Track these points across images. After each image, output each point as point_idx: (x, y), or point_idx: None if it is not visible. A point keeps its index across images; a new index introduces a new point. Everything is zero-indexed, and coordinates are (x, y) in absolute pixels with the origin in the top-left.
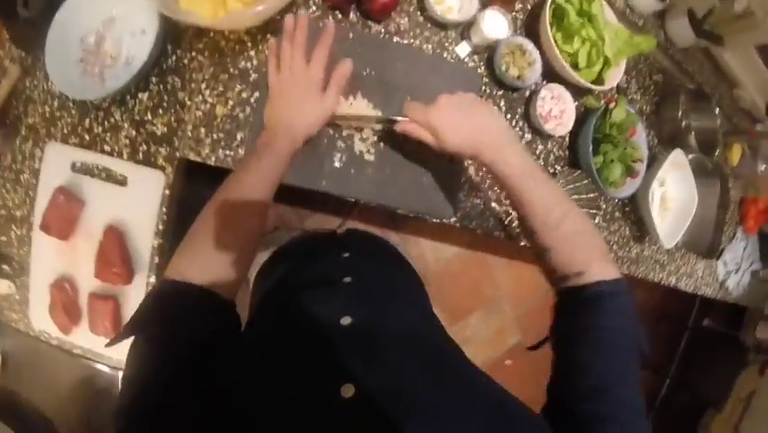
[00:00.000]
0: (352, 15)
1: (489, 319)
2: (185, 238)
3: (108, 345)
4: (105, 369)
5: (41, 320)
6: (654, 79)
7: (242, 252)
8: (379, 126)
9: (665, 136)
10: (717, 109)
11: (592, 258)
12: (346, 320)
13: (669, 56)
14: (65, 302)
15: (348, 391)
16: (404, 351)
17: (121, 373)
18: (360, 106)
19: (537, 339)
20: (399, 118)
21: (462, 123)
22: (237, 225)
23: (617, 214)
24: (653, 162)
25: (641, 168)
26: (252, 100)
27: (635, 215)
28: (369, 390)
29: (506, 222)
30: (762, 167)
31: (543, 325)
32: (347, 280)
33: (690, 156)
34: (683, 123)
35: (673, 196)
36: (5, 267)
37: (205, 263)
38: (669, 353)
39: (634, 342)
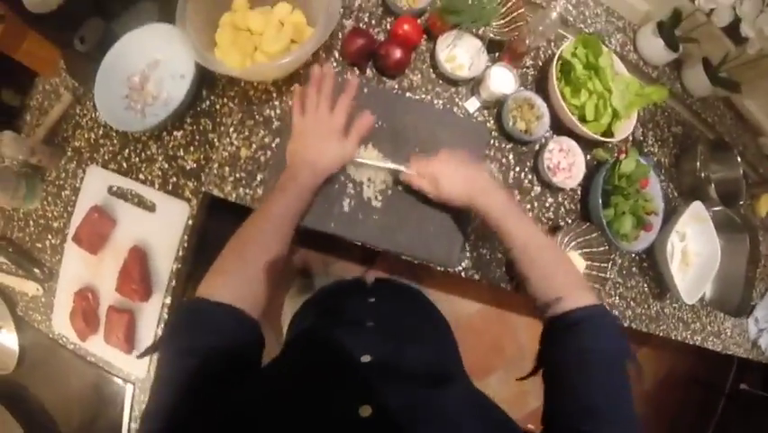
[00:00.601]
0: (368, 71)
1: (511, 380)
2: (216, 261)
3: (140, 356)
4: (115, 379)
5: (61, 324)
6: (673, 131)
7: (268, 274)
8: (385, 174)
9: (685, 189)
10: (739, 159)
11: (569, 286)
12: (366, 358)
13: (687, 107)
14: (86, 310)
15: (366, 411)
16: (418, 379)
17: (129, 386)
18: (370, 155)
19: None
20: (404, 169)
21: (459, 174)
22: (263, 250)
23: (634, 269)
24: (672, 215)
25: (655, 220)
26: (274, 145)
27: (653, 270)
28: (385, 410)
29: (513, 273)
30: None
31: None
32: (370, 324)
33: (714, 209)
34: (702, 174)
35: (695, 250)
36: (37, 271)
37: (234, 284)
38: (703, 421)
39: (620, 360)
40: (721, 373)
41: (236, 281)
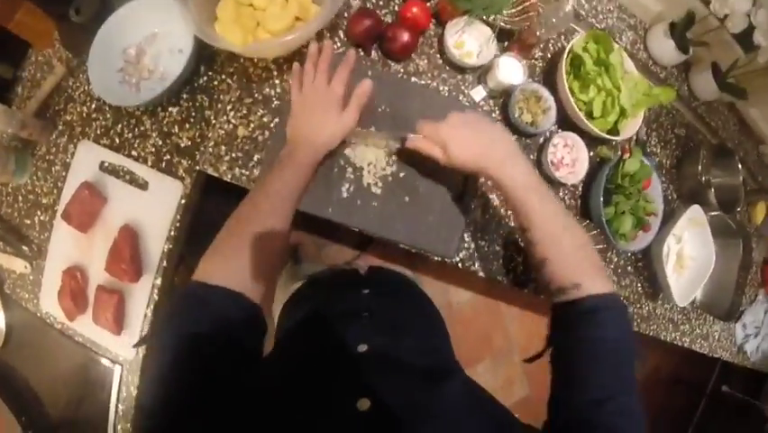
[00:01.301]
0: (373, 54)
1: (498, 369)
2: (213, 243)
3: (137, 345)
4: (102, 360)
5: (49, 303)
6: (677, 133)
7: (268, 255)
8: (391, 144)
9: (685, 192)
10: (740, 166)
11: (588, 272)
12: (363, 348)
13: (692, 110)
14: (74, 289)
15: (364, 404)
16: (415, 372)
17: (116, 368)
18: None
19: (545, 393)
20: (412, 135)
21: (471, 139)
22: (262, 230)
23: (629, 268)
24: (670, 217)
25: (654, 221)
26: (272, 125)
27: (648, 270)
28: (383, 402)
29: (510, 267)
30: None
31: None
32: (365, 314)
33: (712, 214)
34: (703, 178)
35: (690, 253)
36: (25, 248)
37: (232, 266)
38: (684, 421)
39: (630, 353)
40: (704, 375)
41: (235, 263)
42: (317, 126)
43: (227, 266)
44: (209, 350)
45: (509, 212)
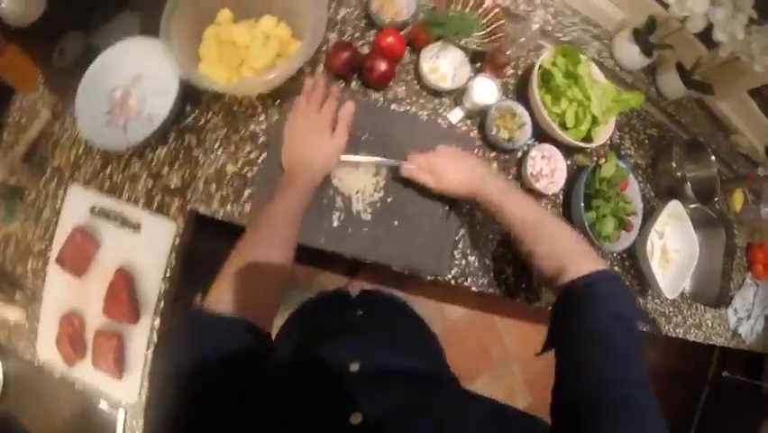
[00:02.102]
0: (353, 84)
1: (498, 382)
2: (220, 271)
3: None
4: (104, 406)
5: (47, 350)
6: (649, 133)
7: (273, 281)
8: (374, 185)
9: (662, 189)
10: (713, 158)
11: (572, 256)
12: (355, 366)
13: (662, 109)
14: (72, 335)
15: (356, 418)
16: (407, 386)
17: (120, 412)
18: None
19: (548, 400)
20: (405, 165)
21: (458, 165)
22: (266, 255)
23: (616, 268)
24: (651, 215)
25: (635, 221)
26: (260, 161)
27: (634, 268)
28: (375, 417)
29: (501, 278)
30: (765, 210)
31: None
32: (358, 334)
33: (691, 207)
34: (678, 174)
35: (674, 247)
36: (18, 295)
37: (238, 293)
38: (688, 411)
39: (630, 326)
40: (703, 363)
41: (240, 290)
42: (312, 151)
43: (233, 293)
44: (215, 377)
45: (495, 226)
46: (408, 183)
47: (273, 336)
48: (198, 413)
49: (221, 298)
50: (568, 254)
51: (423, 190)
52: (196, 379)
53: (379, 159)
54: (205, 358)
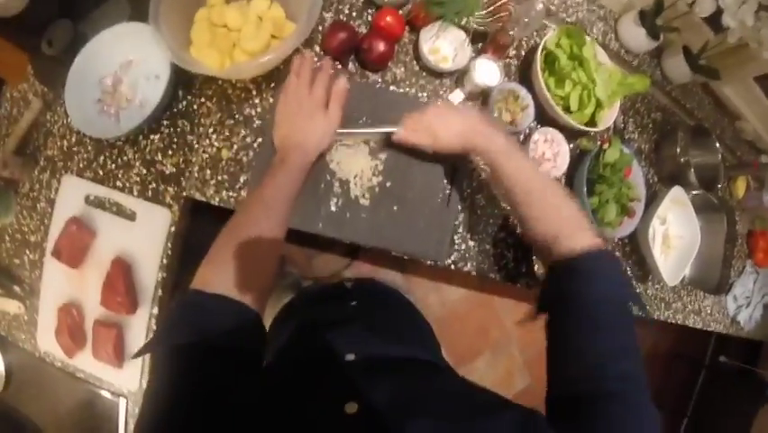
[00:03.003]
0: (351, 66)
1: (497, 363)
2: (210, 250)
3: (136, 355)
4: (106, 394)
5: (47, 342)
6: (653, 118)
7: (264, 262)
8: (372, 168)
9: (665, 174)
10: (718, 144)
11: (569, 226)
12: (351, 357)
13: (667, 94)
14: (71, 326)
15: (351, 408)
16: (403, 375)
17: (121, 400)
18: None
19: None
20: (397, 129)
21: (453, 120)
22: (258, 236)
23: (617, 253)
24: (653, 200)
25: (638, 206)
26: (256, 145)
27: (636, 254)
28: (370, 405)
29: (501, 263)
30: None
31: None
32: (353, 324)
33: (693, 193)
34: (682, 159)
35: (676, 233)
36: (17, 288)
37: (229, 273)
38: (685, 393)
39: (624, 307)
40: (701, 347)
41: (231, 270)
42: (306, 130)
43: (224, 273)
44: (208, 358)
45: (496, 211)
46: (404, 164)
47: (268, 326)
48: (189, 393)
49: (211, 279)
50: (567, 224)
51: (422, 174)
52: (188, 360)
53: (372, 130)
54: (197, 338)
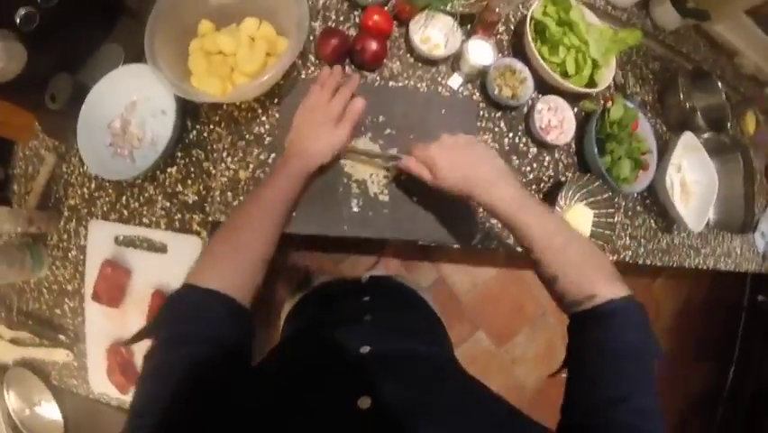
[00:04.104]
0: (347, 69)
1: (537, 336)
2: (206, 247)
3: (127, 343)
4: None
5: (99, 383)
6: (651, 68)
7: (259, 261)
8: (384, 163)
9: (673, 122)
10: (720, 83)
11: (600, 280)
12: (365, 349)
13: (660, 42)
14: (121, 364)
15: (365, 402)
16: (416, 370)
17: None
18: (367, 148)
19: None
20: (402, 156)
21: (458, 160)
22: (255, 236)
23: (638, 208)
24: (665, 150)
25: (651, 159)
26: (270, 161)
27: (657, 205)
28: (383, 401)
29: None
30: None
31: None
32: (367, 318)
33: (704, 136)
34: (687, 105)
35: (693, 179)
36: (62, 337)
37: (223, 271)
38: (729, 340)
39: (649, 356)
40: (737, 291)
41: (227, 268)
42: (312, 138)
43: (219, 270)
44: (200, 354)
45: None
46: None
47: (283, 319)
48: (179, 384)
49: (205, 274)
50: (599, 279)
51: None
52: (178, 350)
53: (378, 152)
54: (187, 330)
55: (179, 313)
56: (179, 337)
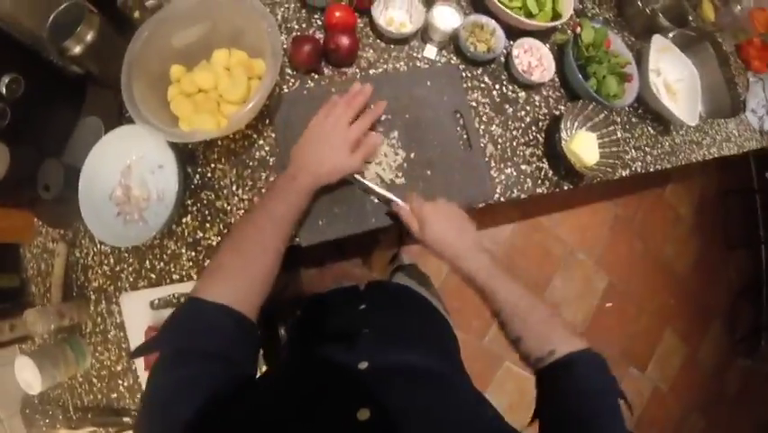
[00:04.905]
0: (326, 71)
1: (571, 275)
2: (212, 259)
3: (134, 355)
4: None
5: None
6: None
7: (267, 276)
8: (392, 151)
9: (639, 31)
10: None
11: (560, 337)
12: (363, 365)
13: None
14: None
15: (363, 414)
16: (417, 385)
17: None
18: (370, 174)
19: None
20: (401, 202)
21: (445, 226)
22: (262, 249)
23: (633, 119)
24: (641, 59)
25: (632, 70)
26: None
27: (650, 113)
28: (383, 413)
29: (541, 176)
30: (737, 8)
31: (623, 253)
32: (365, 331)
33: (671, 35)
34: (648, 10)
35: (674, 78)
36: (126, 419)
37: (231, 283)
38: (751, 224)
39: (612, 396)
40: (744, 174)
41: (233, 281)
42: (325, 158)
43: (226, 283)
44: (206, 367)
45: (514, 132)
46: (419, 134)
47: (288, 328)
48: (184, 397)
49: (213, 289)
50: (557, 336)
51: (435, 133)
52: (185, 364)
53: (380, 191)
54: (194, 344)
55: (187, 327)
56: (187, 351)
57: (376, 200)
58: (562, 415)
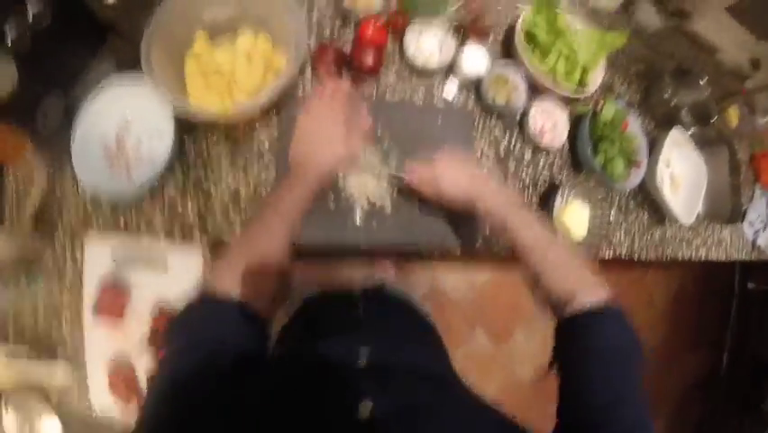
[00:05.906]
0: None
1: (535, 333)
2: (222, 258)
3: (149, 343)
4: None
5: (102, 401)
6: (636, 69)
7: (274, 271)
8: (388, 180)
9: (660, 119)
10: (702, 80)
11: (582, 281)
12: (362, 362)
13: (644, 42)
14: (125, 379)
15: (365, 409)
16: (415, 379)
17: None
18: (369, 162)
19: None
20: (404, 176)
21: (459, 171)
22: (272, 247)
23: (631, 204)
24: (654, 147)
25: (643, 156)
26: (271, 179)
27: (649, 201)
28: (383, 410)
29: None
30: (762, 121)
31: None
32: (362, 331)
33: (690, 131)
34: (672, 102)
35: (682, 173)
36: (61, 349)
37: (242, 281)
38: (721, 326)
39: (633, 358)
40: (727, 279)
41: (245, 278)
42: (324, 154)
43: (238, 280)
44: (215, 360)
45: (516, 190)
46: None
47: (276, 333)
48: (192, 391)
49: (223, 285)
50: (578, 279)
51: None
52: (193, 358)
53: (381, 172)
54: (203, 338)
55: (197, 320)
56: (196, 343)
57: (359, 220)
58: (582, 375)
